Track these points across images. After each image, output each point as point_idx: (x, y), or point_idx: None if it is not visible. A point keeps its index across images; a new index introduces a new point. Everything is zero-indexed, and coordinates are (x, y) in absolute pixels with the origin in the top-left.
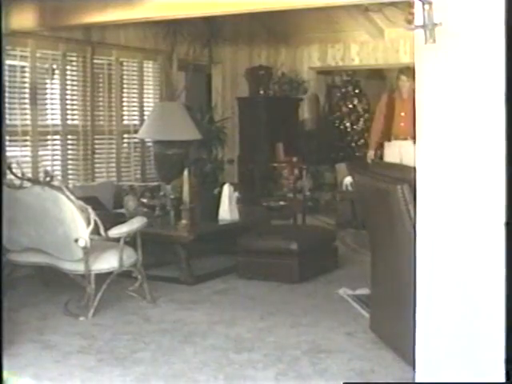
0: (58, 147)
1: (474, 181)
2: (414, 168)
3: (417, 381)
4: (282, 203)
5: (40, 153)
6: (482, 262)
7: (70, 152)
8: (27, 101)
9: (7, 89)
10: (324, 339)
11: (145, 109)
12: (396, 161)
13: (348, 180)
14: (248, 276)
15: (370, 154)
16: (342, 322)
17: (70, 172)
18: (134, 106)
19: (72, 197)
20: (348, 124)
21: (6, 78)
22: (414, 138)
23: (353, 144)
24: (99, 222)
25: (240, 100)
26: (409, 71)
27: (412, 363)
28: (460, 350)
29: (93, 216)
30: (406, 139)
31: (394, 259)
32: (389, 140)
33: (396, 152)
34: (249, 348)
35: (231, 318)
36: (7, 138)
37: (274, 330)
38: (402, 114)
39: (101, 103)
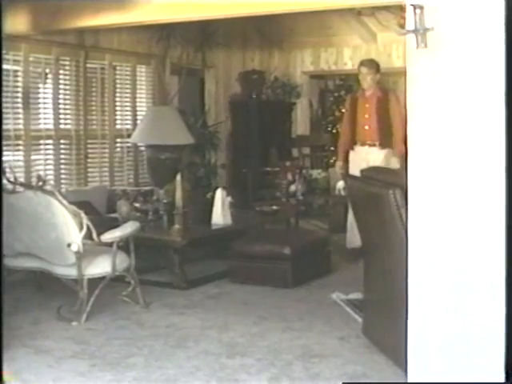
0: (51, 151)
1: (466, 185)
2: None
3: None
4: (274, 207)
5: (33, 157)
6: (476, 266)
7: (62, 156)
8: (20, 105)
9: None
10: (317, 344)
11: (138, 113)
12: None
13: (341, 184)
14: (241, 280)
15: (338, 165)
16: (334, 327)
17: (62, 176)
18: (126, 111)
19: (64, 201)
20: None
21: None
22: (382, 144)
23: None
24: (92, 227)
25: (233, 104)
26: (371, 62)
27: (404, 367)
28: (452, 355)
29: (85, 221)
30: (373, 145)
31: (386, 263)
32: (352, 148)
33: (362, 161)
34: (242, 353)
35: (224, 323)
36: None
37: (267, 334)
38: (366, 115)
39: (94, 107)
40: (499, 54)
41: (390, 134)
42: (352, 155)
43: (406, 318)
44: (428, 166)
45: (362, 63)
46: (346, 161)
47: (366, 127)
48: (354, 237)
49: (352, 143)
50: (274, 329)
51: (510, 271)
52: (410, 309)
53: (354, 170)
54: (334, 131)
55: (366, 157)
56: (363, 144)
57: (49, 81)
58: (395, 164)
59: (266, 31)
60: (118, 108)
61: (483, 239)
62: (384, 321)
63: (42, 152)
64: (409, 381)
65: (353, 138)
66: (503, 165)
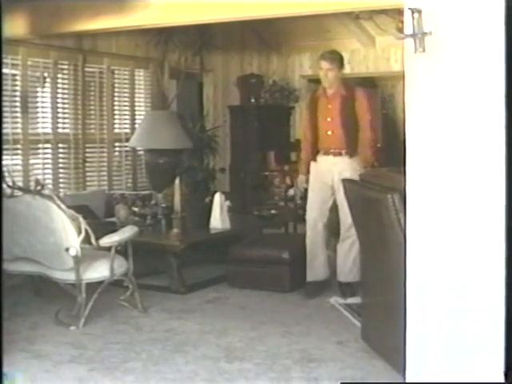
0: (49, 156)
1: (464, 189)
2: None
3: None
4: (273, 212)
5: (31, 161)
6: (475, 269)
7: (60, 160)
8: (18, 109)
9: None
10: (315, 348)
11: (136, 117)
12: (325, 187)
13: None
14: (239, 285)
15: (301, 179)
16: (333, 331)
17: (60, 181)
18: (125, 115)
19: (63, 206)
20: None
21: None
22: (350, 153)
23: None
24: (90, 231)
25: (231, 108)
26: (333, 55)
27: (403, 372)
28: (450, 359)
29: (84, 225)
30: (338, 154)
31: (384, 268)
32: (314, 159)
33: (326, 174)
34: (240, 357)
35: (222, 328)
36: None
37: (266, 339)
38: (329, 119)
39: (92, 111)
40: (498, 58)
41: (357, 139)
42: (313, 167)
43: (405, 323)
44: (426, 170)
45: (323, 56)
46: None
47: (329, 132)
48: (316, 269)
49: (314, 152)
50: (272, 333)
51: (509, 273)
52: (409, 313)
53: (316, 184)
54: None
55: (330, 168)
56: (327, 153)
57: (47, 85)
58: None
59: (265, 35)
60: (116, 112)
61: (482, 243)
62: (383, 325)
63: (40, 156)
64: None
65: (315, 146)
66: (503, 168)
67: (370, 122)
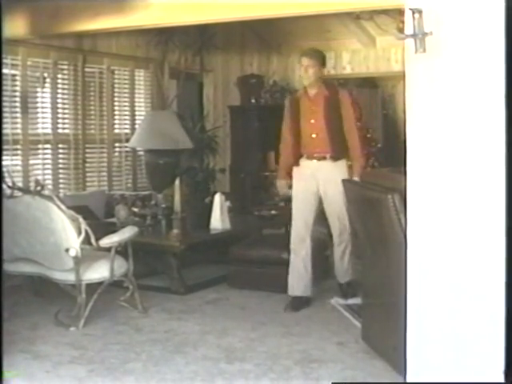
0: (49, 156)
1: (465, 189)
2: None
3: None
4: (273, 212)
5: (31, 162)
6: (475, 270)
7: (60, 161)
8: (18, 109)
9: None
10: (316, 349)
11: (136, 117)
12: (309, 195)
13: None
14: (239, 285)
15: (280, 184)
16: (333, 332)
17: (60, 181)
18: (125, 115)
19: (63, 206)
20: None
21: None
22: (335, 157)
23: None
24: (90, 232)
25: (231, 108)
26: (314, 52)
27: (403, 373)
28: (451, 360)
29: (84, 225)
30: (323, 158)
31: (385, 268)
32: (297, 163)
33: (310, 179)
34: (240, 358)
35: (223, 328)
36: None
37: (266, 339)
38: (312, 121)
39: (92, 112)
40: (498, 59)
41: (344, 142)
42: (296, 172)
43: (405, 323)
44: (427, 171)
45: (303, 52)
46: (291, 178)
47: (313, 135)
48: (301, 281)
49: (297, 156)
50: (272, 334)
51: (509, 274)
52: (409, 314)
53: (299, 193)
54: None
55: (314, 173)
56: (310, 157)
57: (47, 85)
58: None
59: (265, 35)
60: (116, 112)
61: (483, 244)
62: (383, 326)
63: (40, 156)
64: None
65: (297, 149)
66: (503, 169)
67: (358, 127)
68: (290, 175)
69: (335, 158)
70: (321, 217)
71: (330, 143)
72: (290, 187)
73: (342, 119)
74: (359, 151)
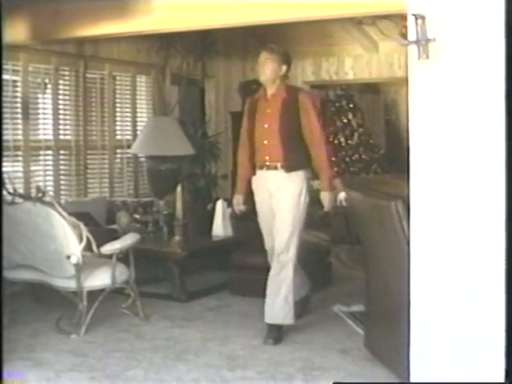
0: (50, 162)
1: (468, 196)
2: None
3: None
4: None
5: (32, 168)
6: (477, 276)
7: (62, 167)
8: (19, 115)
9: None
10: (318, 356)
11: (138, 123)
12: (266, 210)
13: (342, 195)
14: (241, 292)
15: (236, 199)
16: (336, 339)
17: (62, 187)
18: (126, 121)
19: (64, 213)
20: (342, 139)
21: None
22: (288, 167)
23: (347, 159)
24: (91, 239)
25: (233, 114)
26: (277, 47)
27: (406, 380)
28: (455, 368)
29: (85, 232)
30: (273, 168)
31: (388, 275)
32: (254, 172)
33: (263, 192)
34: (242, 365)
35: (224, 336)
36: None
37: (268, 347)
38: (266, 125)
39: (93, 118)
40: (500, 66)
41: (302, 151)
42: (253, 182)
43: (408, 331)
44: (430, 177)
45: (263, 47)
46: (249, 191)
47: (265, 142)
48: (279, 309)
49: (253, 166)
50: None
51: (510, 278)
52: (413, 321)
53: (259, 207)
54: (336, 142)
55: (265, 185)
56: (261, 167)
57: (48, 91)
58: (324, 198)
59: (267, 41)
60: (117, 118)
61: (484, 249)
62: (386, 333)
63: (41, 163)
64: None
65: (252, 158)
66: (504, 175)
67: (322, 134)
68: (248, 188)
69: (288, 169)
70: (319, 223)
71: (283, 151)
72: (241, 203)
73: (300, 125)
74: (325, 162)
